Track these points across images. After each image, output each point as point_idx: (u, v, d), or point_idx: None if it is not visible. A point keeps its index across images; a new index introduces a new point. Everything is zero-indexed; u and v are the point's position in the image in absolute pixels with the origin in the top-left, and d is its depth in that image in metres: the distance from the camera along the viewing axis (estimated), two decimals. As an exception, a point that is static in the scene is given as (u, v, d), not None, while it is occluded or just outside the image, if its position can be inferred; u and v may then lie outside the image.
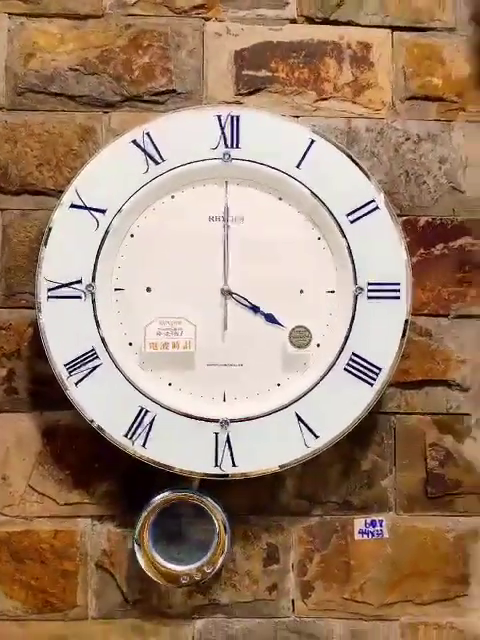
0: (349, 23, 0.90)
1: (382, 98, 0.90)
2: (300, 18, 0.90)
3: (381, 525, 0.89)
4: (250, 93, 0.89)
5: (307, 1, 0.90)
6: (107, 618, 0.88)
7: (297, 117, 0.89)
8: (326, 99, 0.90)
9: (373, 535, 0.89)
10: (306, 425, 0.80)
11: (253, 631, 0.88)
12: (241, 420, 0.80)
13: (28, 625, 0.88)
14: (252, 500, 0.88)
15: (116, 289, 0.81)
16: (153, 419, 0.79)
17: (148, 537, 0.83)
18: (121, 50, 0.89)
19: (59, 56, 0.88)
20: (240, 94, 0.89)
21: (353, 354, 0.80)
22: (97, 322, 0.79)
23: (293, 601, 0.89)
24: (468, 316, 0.90)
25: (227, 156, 0.80)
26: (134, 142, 0.80)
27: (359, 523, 0.89)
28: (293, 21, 0.90)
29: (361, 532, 0.89)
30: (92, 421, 0.80)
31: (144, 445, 0.79)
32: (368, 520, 0.89)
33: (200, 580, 0.83)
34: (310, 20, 0.90)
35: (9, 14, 0.88)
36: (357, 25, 0.90)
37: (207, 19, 0.90)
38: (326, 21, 0.90)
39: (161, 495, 0.83)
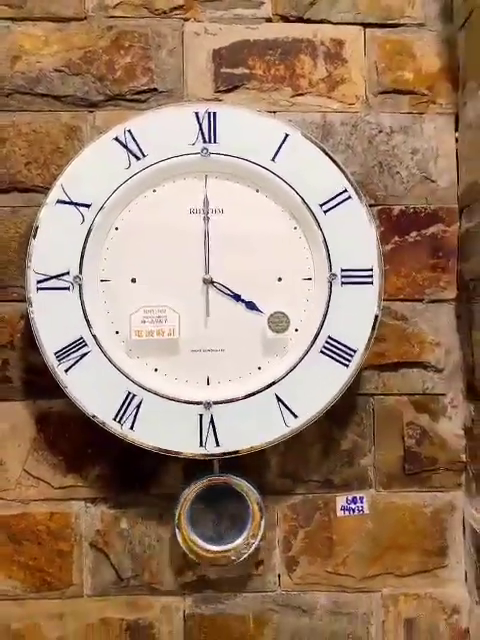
0: (322, 21, 0.93)
1: (356, 92, 0.93)
2: (275, 17, 0.93)
3: (362, 502, 0.93)
4: (229, 90, 0.92)
5: (282, 0, 0.93)
6: (102, 595, 0.92)
7: (274, 112, 0.92)
8: (302, 94, 0.93)
9: (354, 511, 0.93)
10: (286, 405, 0.83)
11: (241, 605, 0.92)
12: (224, 402, 0.83)
13: (27, 604, 0.92)
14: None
15: (102, 280, 0.84)
16: (140, 403, 0.83)
17: (186, 521, 0.86)
18: (104, 51, 0.92)
19: (44, 58, 0.91)
20: (219, 91, 0.92)
21: (329, 337, 0.83)
22: (85, 312, 0.82)
23: (279, 576, 0.93)
24: (441, 300, 0.93)
25: (205, 151, 0.83)
26: (116, 139, 0.83)
27: (341, 500, 0.93)
28: (268, 20, 0.93)
29: (343, 509, 0.93)
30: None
31: (132, 428, 0.83)
32: (349, 497, 0.93)
33: (245, 556, 0.88)
34: (285, 19, 0.93)
35: (-5, 19, 0.91)
36: (330, 23, 0.93)
37: (186, 19, 0.93)
38: (300, 19, 0.93)
39: (199, 480, 0.86)
